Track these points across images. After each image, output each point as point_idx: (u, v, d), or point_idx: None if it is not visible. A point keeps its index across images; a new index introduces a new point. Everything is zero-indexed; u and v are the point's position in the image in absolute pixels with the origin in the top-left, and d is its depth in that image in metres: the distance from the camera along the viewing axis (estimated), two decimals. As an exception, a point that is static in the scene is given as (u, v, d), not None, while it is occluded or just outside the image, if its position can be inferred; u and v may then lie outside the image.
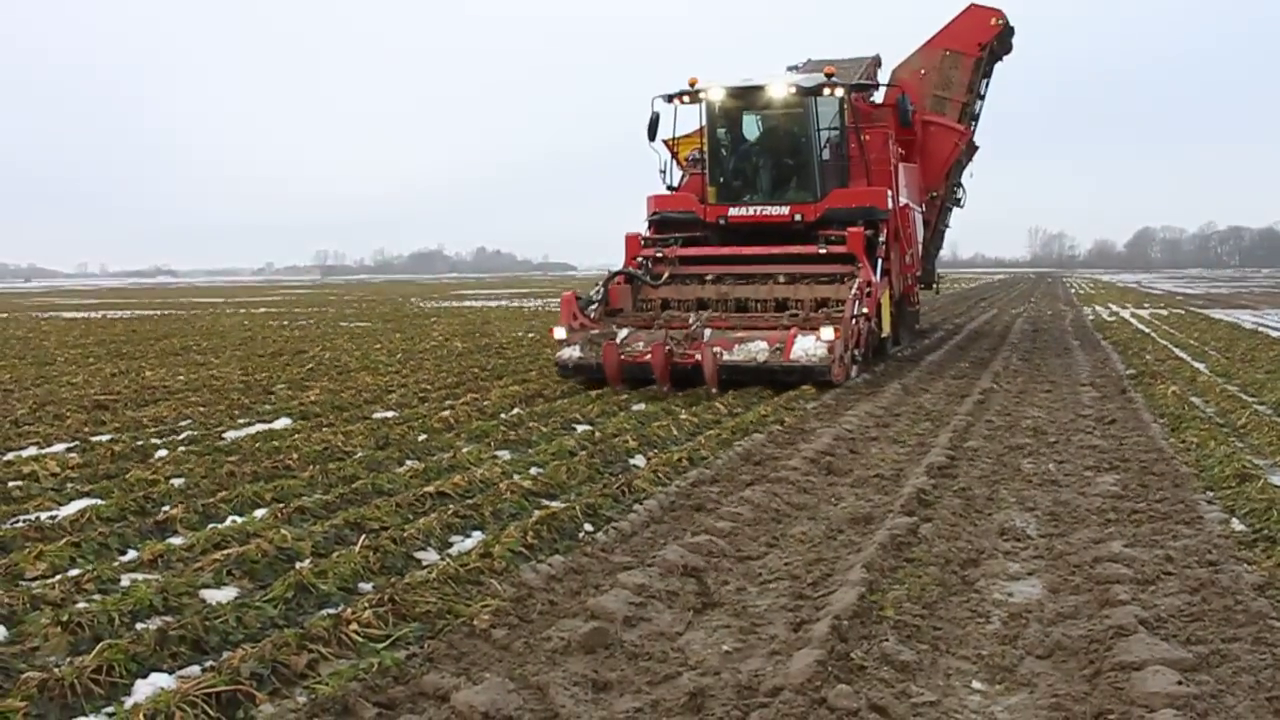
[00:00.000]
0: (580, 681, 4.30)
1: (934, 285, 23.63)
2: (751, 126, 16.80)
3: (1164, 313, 31.16)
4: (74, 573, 5.72)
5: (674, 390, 12.87)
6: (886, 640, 4.64)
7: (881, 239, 15.29)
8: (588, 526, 6.67)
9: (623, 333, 14.22)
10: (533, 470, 8.21)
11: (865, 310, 13.89)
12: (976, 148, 21.01)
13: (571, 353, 13.85)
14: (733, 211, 15.88)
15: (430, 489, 7.47)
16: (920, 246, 19.13)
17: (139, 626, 4.91)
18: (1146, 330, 23.34)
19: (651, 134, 16.27)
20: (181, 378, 15.28)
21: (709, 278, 15.46)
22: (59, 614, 4.93)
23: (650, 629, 4.92)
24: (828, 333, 12.87)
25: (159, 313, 38.74)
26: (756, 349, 13.08)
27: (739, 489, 7.61)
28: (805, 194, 15.71)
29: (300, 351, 19.72)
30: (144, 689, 4.28)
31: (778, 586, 5.57)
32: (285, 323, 30.57)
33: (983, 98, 20.35)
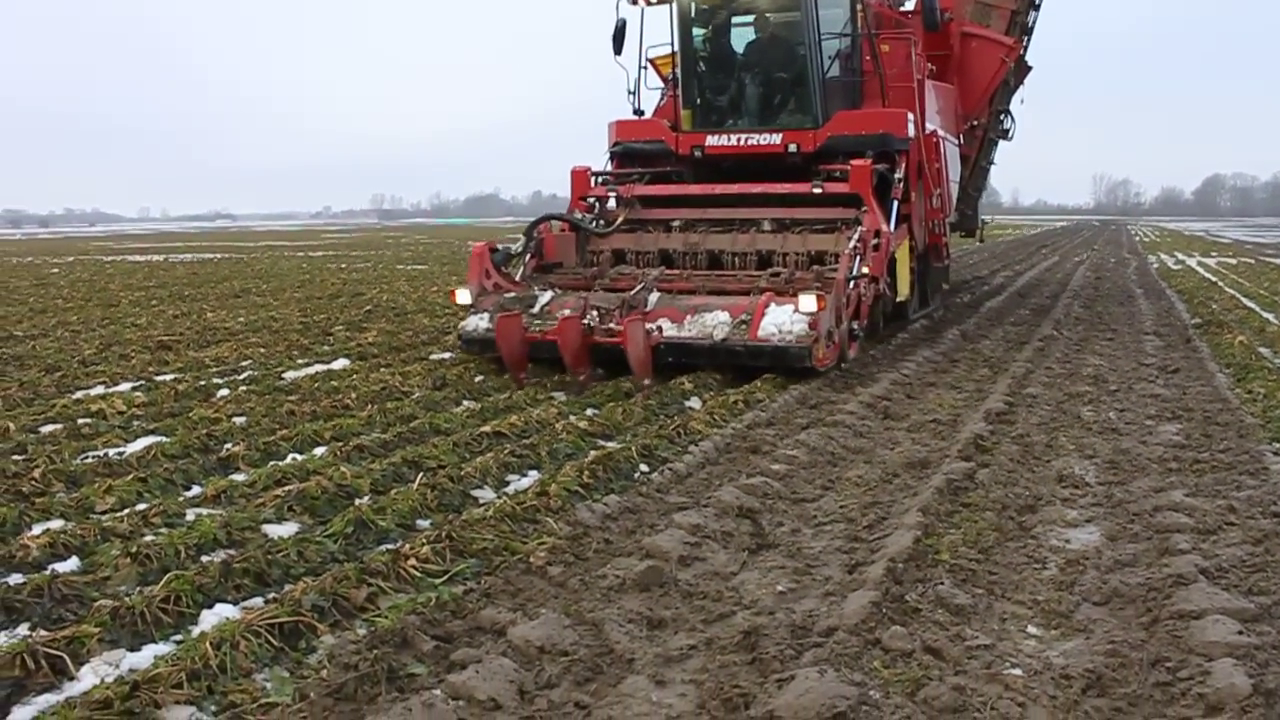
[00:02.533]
0: (635, 619, 4.34)
1: (978, 233, 20.20)
2: (736, 33, 13.27)
3: (1232, 261, 30.47)
4: (141, 507, 5.85)
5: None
6: (941, 584, 4.64)
7: (898, 175, 11.82)
8: (643, 467, 6.71)
9: (544, 296, 10.77)
10: (589, 411, 8.24)
11: (869, 269, 10.53)
12: (1029, 68, 17.44)
13: (478, 323, 10.53)
14: (711, 141, 12.52)
15: (487, 429, 7.53)
16: (955, 186, 15.33)
17: (204, 559, 5.02)
18: (1213, 279, 22.85)
19: (617, 46, 13.17)
20: (242, 319, 15.48)
21: (675, 224, 12.14)
22: (128, 546, 5.06)
23: (705, 569, 4.95)
24: (808, 302, 9.51)
25: (219, 256, 39.20)
26: (713, 322, 9.84)
27: (795, 432, 7.60)
28: (803, 118, 12.33)
29: (358, 294, 19.88)
30: (210, 618, 4.39)
31: (833, 529, 5.57)
32: (343, 265, 30.81)
33: (1037, 7, 17.09)
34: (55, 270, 29.67)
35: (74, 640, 4.12)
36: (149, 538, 5.28)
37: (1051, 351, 11.65)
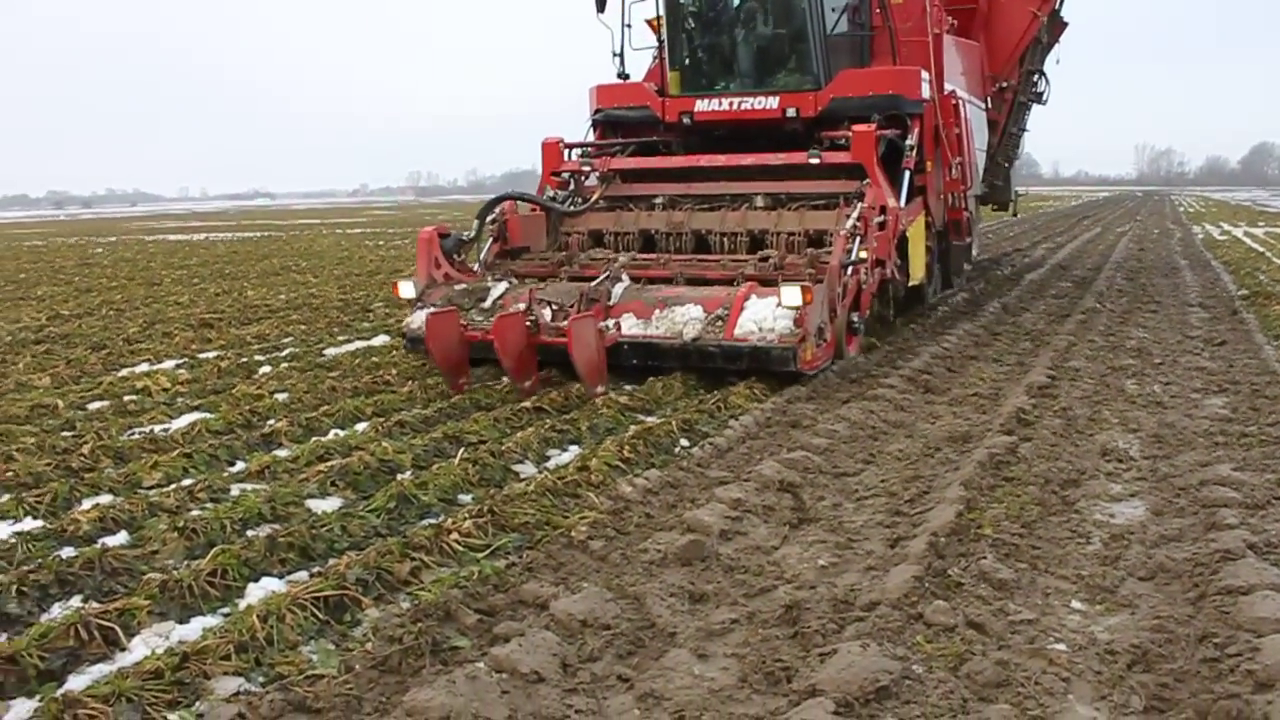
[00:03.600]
0: (676, 593, 4.36)
1: (1011, 206, 18.24)
2: None
3: None
4: (187, 482, 5.93)
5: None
6: (984, 558, 4.61)
7: (910, 142, 10.54)
8: (684, 442, 6.71)
9: (498, 288, 9.51)
10: (628, 386, 8.25)
11: (866, 254, 9.07)
12: (1065, 24, 15.97)
13: (423, 318, 8.73)
14: (700, 106, 11.19)
15: (527, 404, 7.55)
16: (980, 155, 13.91)
17: (249, 533, 5.08)
18: (1261, 249, 22.48)
19: (600, 2, 11.65)
20: (282, 297, 15.60)
21: (658, 201, 10.84)
22: (175, 520, 5.13)
23: (746, 543, 4.95)
24: (791, 294, 8.05)
25: (259, 234, 39.48)
26: (684, 319, 8.47)
27: (835, 406, 7.57)
28: (802, 79, 11.00)
29: (396, 270, 19.96)
30: (256, 592, 4.45)
31: (874, 503, 5.55)
32: (381, 242, 30.95)
33: None
34: (99, 250, 30.02)
35: (125, 612, 4.20)
36: (195, 512, 5.35)
37: (1094, 324, 11.52)
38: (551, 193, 11.25)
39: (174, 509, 5.43)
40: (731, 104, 11.09)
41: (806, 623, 4.02)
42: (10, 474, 6.04)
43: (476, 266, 10.30)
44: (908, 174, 10.42)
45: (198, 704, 3.54)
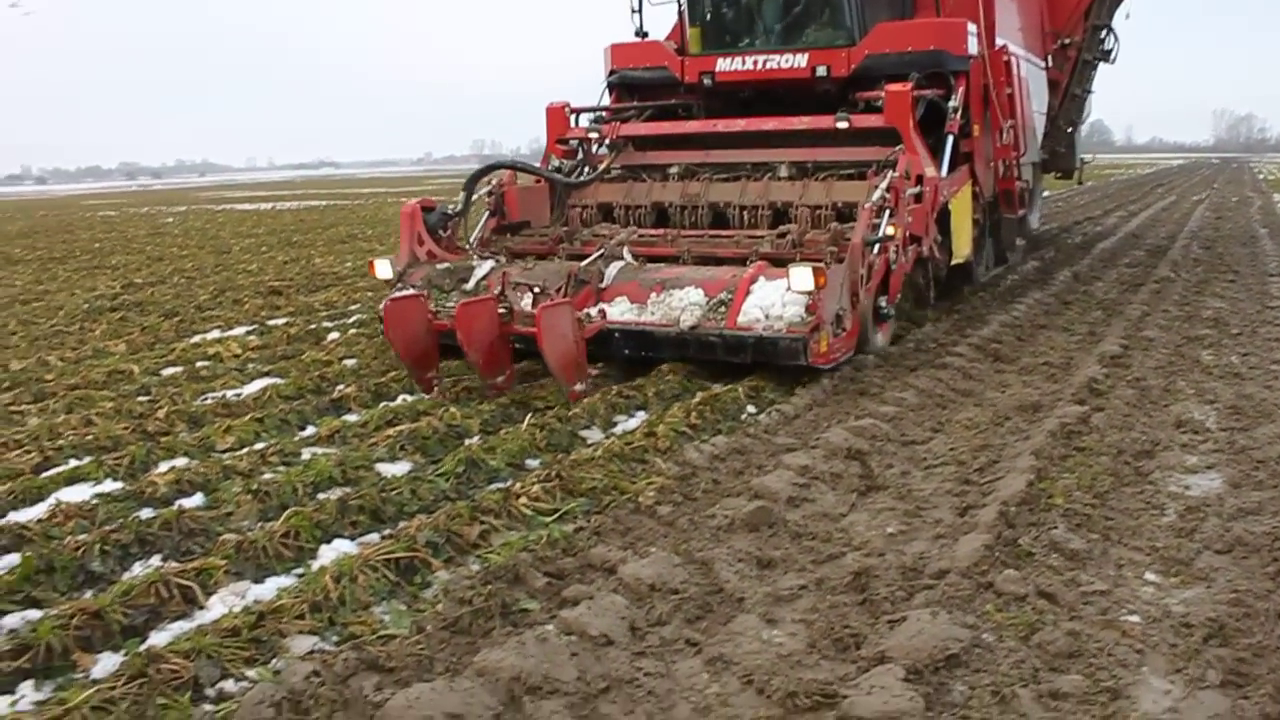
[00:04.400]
0: (744, 558, 4.36)
1: (1076, 174, 16.52)
2: None
3: (1362, 199, 29.10)
4: (259, 446, 6.04)
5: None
6: (1055, 528, 4.56)
7: (954, 104, 9.35)
8: (750, 408, 6.69)
9: (483, 268, 8.60)
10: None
11: (895, 230, 7.94)
12: None
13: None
14: (722, 65, 10.15)
15: (594, 370, 7.56)
16: (1038, 118, 12.73)
17: (321, 496, 5.16)
18: (1342, 218, 21.86)
19: None
20: (348, 264, 15.76)
21: (673, 171, 9.95)
22: (248, 483, 5.23)
23: (813, 509, 4.94)
24: (802, 277, 7.02)
25: (324, 203, 39.89)
26: (682, 304, 7.53)
27: (903, 374, 7.49)
28: (834, 34, 9.90)
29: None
30: (328, 553, 4.52)
31: (943, 472, 5.50)
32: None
33: None
34: (169, 220, 30.54)
35: (202, 571, 4.29)
36: (268, 475, 5.45)
37: (1169, 294, 11.28)
38: (557, 162, 10.42)
39: (247, 472, 5.53)
40: (756, 63, 10.03)
41: (875, 590, 4.00)
42: (90, 437, 6.19)
43: (473, 241, 9.47)
44: (951, 139, 9.30)
45: (274, 661, 3.62)
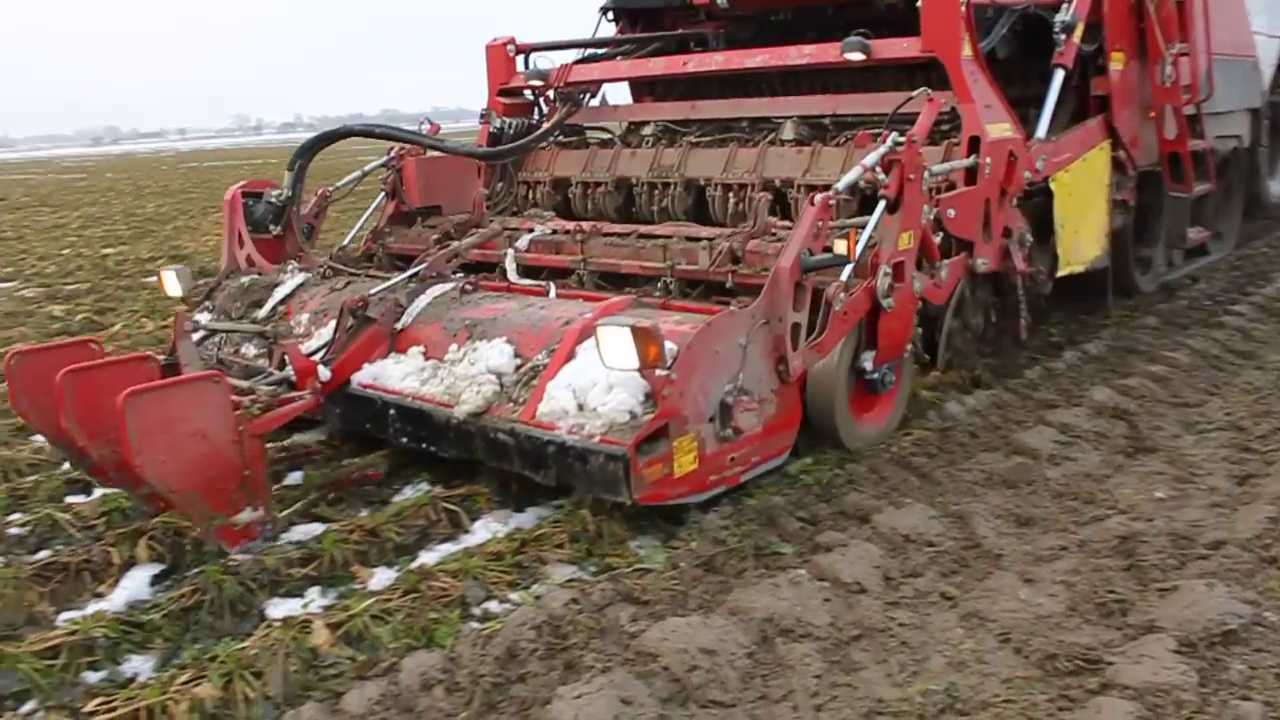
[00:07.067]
0: (1002, 515, 4.25)
1: None
2: None
3: None
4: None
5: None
6: (1351, 503, 4.22)
7: (1063, 17, 6.14)
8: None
9: (290, 284, 6.06)
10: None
11: (887, 243, 4.83)
12: None
13: (198, 321, 6.00)
14: None
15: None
16: (1266, 43, 9.01)
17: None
18: None
19: None
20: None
21: (646, 133, 7.27)
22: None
23: (1075, 469, 4.75)
24: (616, 344, 4.04)
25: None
26: (475, 370, 4.72)
27: (1175, 333, 7.04)
28: None
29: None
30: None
31: (1218, 437, 5.16)
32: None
33: None
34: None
35: (468, 498, 4.55)
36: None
37: None
38: (499, 122, 7.69)
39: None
40: None
41: (1143, 556, 3.82)
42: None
43: (344, 245, 7.08)
44: (1060, 76, 6.15)
45: (534, 586, 3.78)
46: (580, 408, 4.25)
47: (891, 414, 5.17)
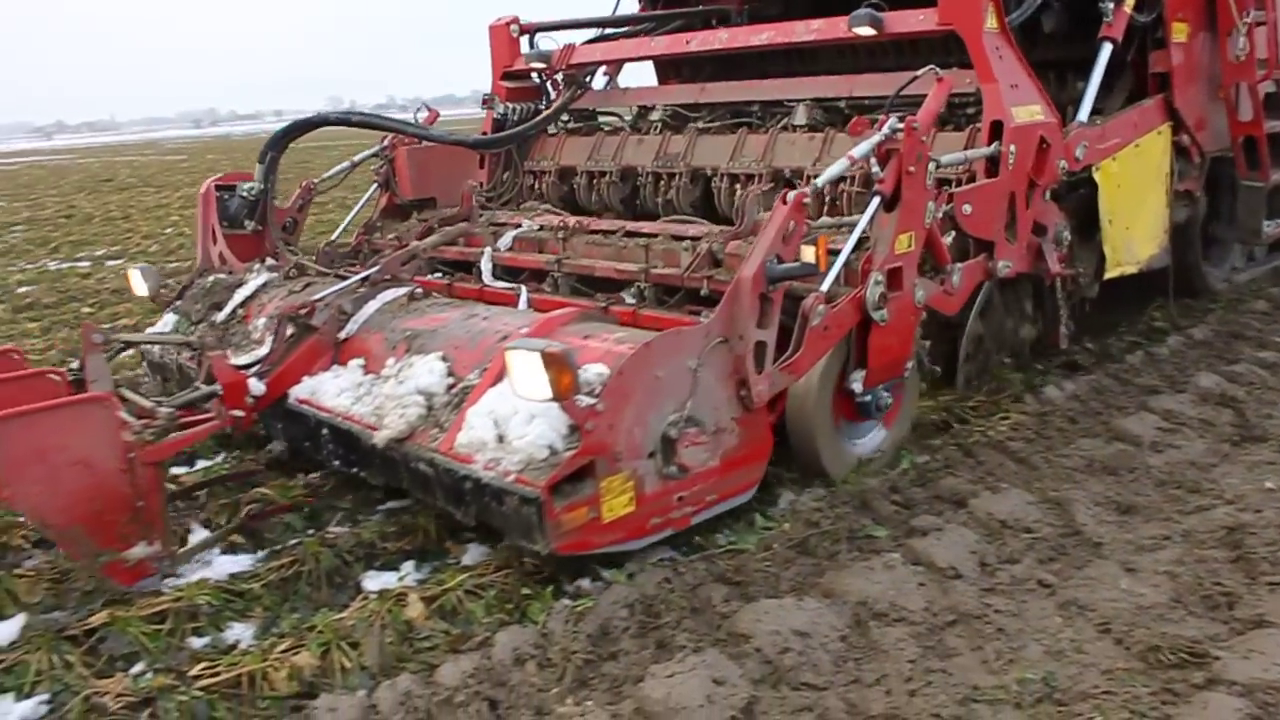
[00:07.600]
0: (1102, 502, 4.16)
1: None
2: None
3: None
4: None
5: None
6: None
7: None
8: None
9: (252, 284, 5.60)
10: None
11: (883, 246, 4.27)
12: None
13: (165, 321, 5.77)
14: None
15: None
16: None
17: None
18: None
19: None
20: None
21: (654, 118, 6.86)
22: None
23: (1179, 456, 4.62)
24: (526, 372, 3.51)
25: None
26: (404, 390, 4.24)
27: (1287, 318, 6.81)
28: None
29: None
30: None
31: (1332, 426, 4.99)
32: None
33: None
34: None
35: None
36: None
37: None
38: (503, 108, 7.32)
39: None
40: None
41: (1251, 548, 3.71)
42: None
43: (334, 240, 6.92)
44: (1107, 50, 5.49)
45: (627, 565, 3.78)
46: (500, 439, 3.71)
47: (887, 439, 4.62)
